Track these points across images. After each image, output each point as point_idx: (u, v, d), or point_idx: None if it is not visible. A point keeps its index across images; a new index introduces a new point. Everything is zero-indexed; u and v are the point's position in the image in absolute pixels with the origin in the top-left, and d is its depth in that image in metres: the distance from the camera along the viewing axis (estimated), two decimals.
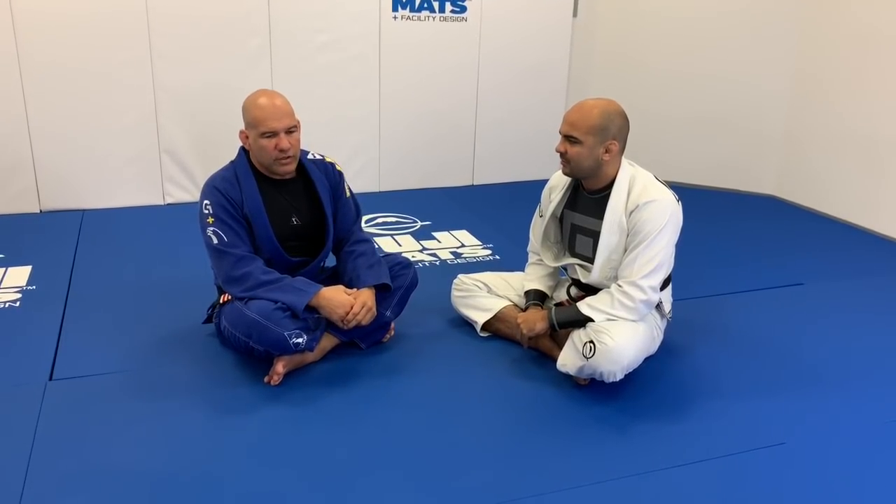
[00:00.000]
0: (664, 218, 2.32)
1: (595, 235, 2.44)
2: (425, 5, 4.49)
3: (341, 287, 2.43)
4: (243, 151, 2.45)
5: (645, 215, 2.32)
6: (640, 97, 4.84)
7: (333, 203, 2.58)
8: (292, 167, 2.43)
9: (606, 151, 2.35)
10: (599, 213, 2.42)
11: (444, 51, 4.62)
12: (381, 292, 2.51)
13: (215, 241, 2.36)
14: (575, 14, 4.89)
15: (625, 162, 2.43)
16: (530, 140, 4.99)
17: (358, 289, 2.44)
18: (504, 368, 2.52)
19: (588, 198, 2.49)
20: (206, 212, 2.37)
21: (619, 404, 2.32)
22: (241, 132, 2.40)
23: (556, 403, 2.32)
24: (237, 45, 4.16)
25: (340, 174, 2.61)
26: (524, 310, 2.61)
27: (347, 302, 2.37)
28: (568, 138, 2.36)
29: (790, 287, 3.36)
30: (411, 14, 4.48)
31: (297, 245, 2.51)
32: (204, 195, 2.40)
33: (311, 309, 2.36)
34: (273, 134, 2.33)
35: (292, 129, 2.37)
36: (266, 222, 2.41)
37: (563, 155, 2.40)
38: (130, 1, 3.89)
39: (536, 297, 2.62)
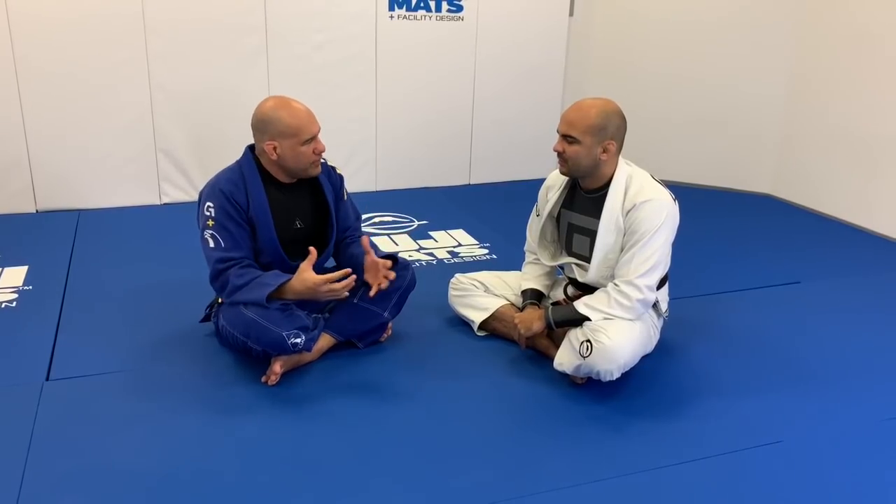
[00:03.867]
0: (661, 217, 2.33)
1: (592, 235, 2.45)
2: (422, 4, 4.49)
3: (302, 267, 2.30)
4: (251, 154, 2.44)
5: (642, 214, 2.32)
6: (636, 97, 4.84)
7: (335, 205, 2.58)
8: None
9: (604, 151, 2.35)
10: (596, 212, 2.42)
11: (440, 50, 4.62)
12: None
13: (211, 244, 2.35)
14: (571, 13, 4.90)
15: (622, 161, 2.43)
16: (527, 139, 4.99)
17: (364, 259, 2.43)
18: (501, 367, 2.53)
19: (585, 197, 2.49)
20: (208, 214, 2.36)
21: (616, 403, 2.32)
22: (268, 144, 2.33)
23: (553, 402, 2.32)
24: (234, 45, 4.16)
25: (341, 177, 2.63)
26: (521, 309, 2.61)
27: (318, 278, 2.25)
28: (566, 137, 2.36)
29: (786, 285, 3.37)
30: (408, 13, 4.48)
31: (299, 248, 2.51)
32: (207, 197, 2.38)
33: (284, 300, 2.30)
34: (313, 138, 2.35)
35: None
36: (271, 226, 2.40)
37: (560, 154, 2.40)
38: (127, 1, 3.88)
39: (533, 297, 2.63)
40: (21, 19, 3.74)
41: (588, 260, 2.48)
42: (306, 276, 2.27)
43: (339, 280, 2.27)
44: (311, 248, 2.30)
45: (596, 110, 2.34)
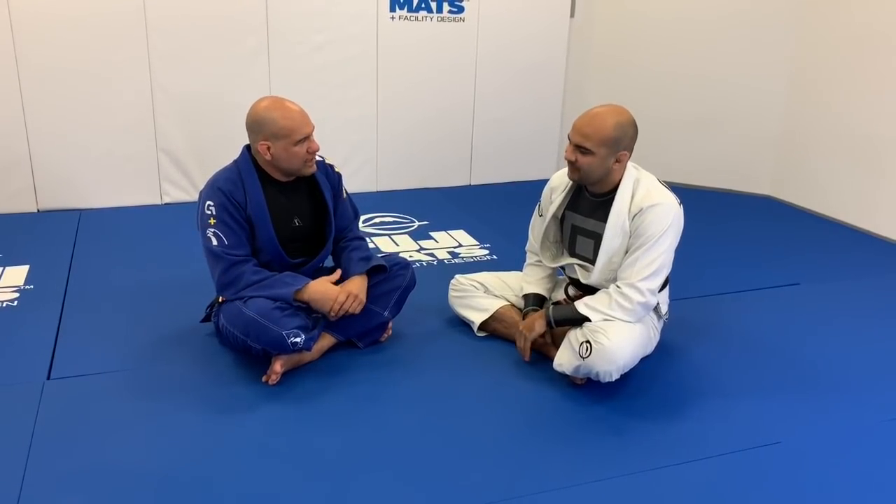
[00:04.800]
0: (667, 222, 2.33)
1: (596, 237, 2.45)
2: (423, 5, 4.50)
3: (326, 279, 2.46)
4: (248, 154, 2.45)
5: (648, 218, 2.32)
6: (636, 98, 4.83)
7: (333, 203, 2.58)
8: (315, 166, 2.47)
9: (617, 161, 2.35)
10: (601, 215, 2.42)
11: (441, 51, 4.63)
12: (378, 274, 2.54)
13: (214, 242, 2.36)
14: (572, 14, 4.90)
15: (629, 165, 2.42)
16: (527, 140, 5.00)
17: (350, 276, 2.48)
18: (501, 368, 2.53)
19: (591, 200, 2.48)
20: (209, 213, 2.36)
21: (617, 404, 2.33)
22: (262, 144, 2.35)
23: (553, 403, 2.33)
24: (235, 45, 4.16)
25: (339, 175, 2.63)
26: (523, 316, 2.60)
27: (335, 292, 2.40)
28: (579, 148, 2.34)
29: (786, 287, 3.37)
30: (409, 14, 4.48)
31: (298, 246, 2.52)
32: (207, 195, 2.39)
33: (303, 303, 2.38)
34: (306, 138, 2.36)
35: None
36: (269, 224, 2.41)
37: (572, 163, 2.39)
38: (128, 1, 3.89)
39: (535, 302, 2.63)
40: (23, 18, 3.75)
41: (591, 262, 2.48)
42: (328, 286, 2.41)
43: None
44: (339, 270, 2.49)
45: (612, 122, 2.30)
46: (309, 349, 2.36)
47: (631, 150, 2.37)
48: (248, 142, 2.45)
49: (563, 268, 2.67)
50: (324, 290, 2.40)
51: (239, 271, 2.36)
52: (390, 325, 2.68)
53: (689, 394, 2.42)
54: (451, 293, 2.82)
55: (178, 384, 2.36)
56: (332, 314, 2.41)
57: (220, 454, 2.01)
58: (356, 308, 2.43)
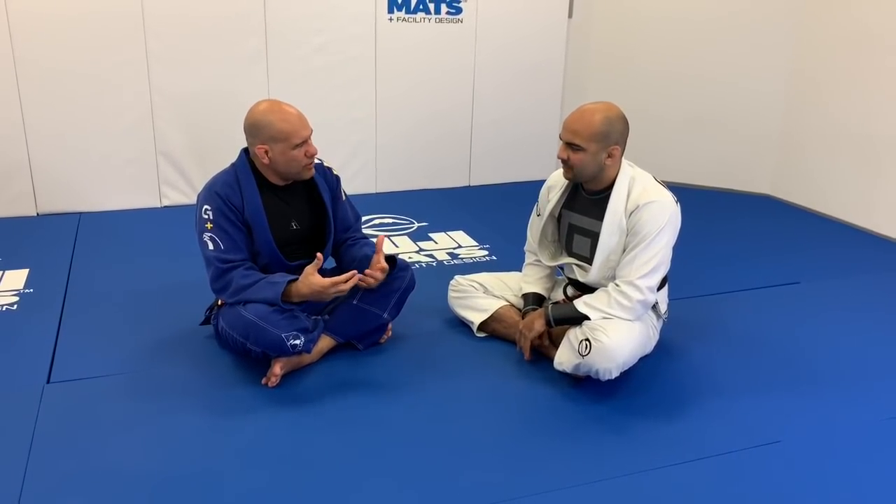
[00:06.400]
0: (664, 219, 2.33)
1: (593, 236, 2.45)
2: (421, 7, 4.50)
3: (308, 272, 2.32)
4: (245, 156, 2.45)
5: (645, 216, 2.33)
6: (635, 98, 4.85)
7: (332, 205, 2.58)
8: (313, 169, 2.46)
9: (609, 156, 2.35)
10: (598, 213, 2.43)
11: (440, 52, 4.63)
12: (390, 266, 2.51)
13: (210, 247, 2.35)
14: (570, 15, 4.90)
15: (625, 163, 2.43)
16: (526, 141, 5.00)
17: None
18: (501, 368, 2.53)
19: (587, 198, 2.49)
20: (206, 217, 2.36)
21: (616, 403, 2.33)
22: (259, 148, 2.34)
23: (553, 403, 2.33)
24: (233, 47, 4.17)
25: (338, 178, 2.63)
26: (522, 316, 2.61)
27: (325, 282, 2.28)
28: (570, 145, 2.35)
29: (786, 286, 3.38)
30: (407, 16, 4.49)
31: (296, 249, 2.51)
32: (204, 200, 2.39)
33: (293, 301, 2.34)
34: (304, 142, 2.35)
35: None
36: (266, 227, 2.41)
37: (565, 161, 2.39)
38: (126, 3, 3.90)
39: (535, 301, 2.63)
40: (21, 21, 3.75)
41: (588, 261, 2.49)
42: (313, 279, 2.29)
43: (346, 281, 2.30)
44: (318, 255, 2.31)
45: (600, 117, 2.32)
46: (308, 351, 2.36)
47: (623, 144, 2.37)
48: (246, 145, 2.46)
49: (561, 268, 2.68)
50: (310, 287, 2.29)
51: (228, 278, 2.35)
52: (390, 326, 2.68)
53: (688, 393, 2.42)
54: (451, 294, 2.82)
55: (178, 387, 2.36)
56: (343, 292, 2.32)
57: (220, 456, 2.01)
58: (356, 280, 2.32)
